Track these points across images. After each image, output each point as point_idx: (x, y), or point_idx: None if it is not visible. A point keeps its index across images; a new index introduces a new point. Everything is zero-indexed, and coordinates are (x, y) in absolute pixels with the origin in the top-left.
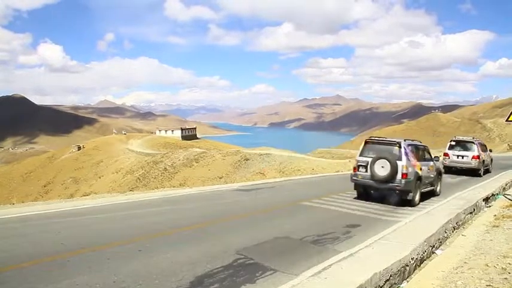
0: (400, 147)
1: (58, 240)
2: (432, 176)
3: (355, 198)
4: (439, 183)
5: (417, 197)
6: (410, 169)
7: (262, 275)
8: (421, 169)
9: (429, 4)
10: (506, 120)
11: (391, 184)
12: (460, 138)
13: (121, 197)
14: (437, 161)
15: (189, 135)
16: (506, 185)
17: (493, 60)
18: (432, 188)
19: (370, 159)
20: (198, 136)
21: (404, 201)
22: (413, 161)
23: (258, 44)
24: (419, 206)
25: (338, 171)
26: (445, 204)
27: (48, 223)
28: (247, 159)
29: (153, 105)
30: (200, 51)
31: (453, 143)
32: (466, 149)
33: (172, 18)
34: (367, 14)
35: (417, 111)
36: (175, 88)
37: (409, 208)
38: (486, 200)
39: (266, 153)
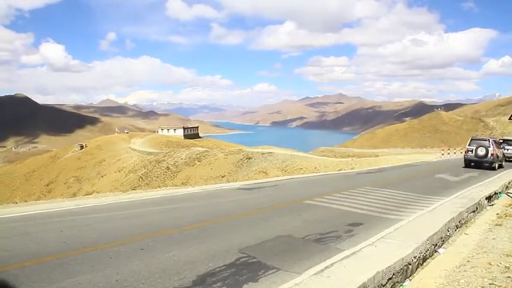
0: (489, 141)
1: (60, 239)
2: (501, 156)
3: (360, 196)
4: (503, 161)
5: (497, 166)
6: (494, 152)
7: (265, 274)
8: (498, 152)
9: (432, 2)
10: (509, 119)
11: (485, 159)
12: (506, 137)
13: (123, 196)
14: (503, 148)
15: (191, 134)
16: (509, 183)
17: (495, 58)
18: (501, 163)
19: (474, 147)
20: (200, 135)
21: (491, 167)
22: (495, 148)
23: (260, 42)
24: (422, 204)
25: (340, 170)
26: (448, 202)
27: (51, 222)
28: (249, 158)
29: (155, 104)
30: (202, 50)
31: (501, 140)
32: (510, 144)
33: (175, 17)
34: (369, 12)
35: (419, 109)
36: (177, 87)
37: (412, 206)
38: (489, 198)
39: (268, 152)
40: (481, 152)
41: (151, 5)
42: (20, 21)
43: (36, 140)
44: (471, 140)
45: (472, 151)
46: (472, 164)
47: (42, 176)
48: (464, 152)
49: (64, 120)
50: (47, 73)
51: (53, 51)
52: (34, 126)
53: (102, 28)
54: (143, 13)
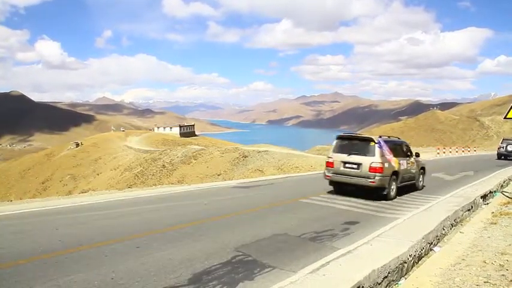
0: None
1: (56, 237)
2: None
3: (355, 194)
4: None
5: None
6: None
7: (261, 272)
8: None
9: (428, 1)
10: (504, 118)
11: None
12: None
13: (119, 194)
14: None
15: (188, 132)
16: (503, 182)
17: (491, 57)
18: None
19: (505, 145)
20: (196, 133)
21: None
22: None
23: (257, 41)
24: (417, 203)
25: None
26: (443, 201)
27: (46, 220)
28: (245, 157)
29: (151, 102)
30: (199, 48)
31: None
32: None
33: (171, 15)
34: (366, 11)
35: (415, 108)
36: (173, 85)
37: (408, 205)
38: (484, 197)
39: (264, 150)
40: (510, 148)
41: (148, 2)
42: (15, 18)
43: (31, 138)
44: (503, 139)
45: (503, 147)
46: (503, 157)
47: (38, 173)
48: (497, 148)
49: (60, 118)
50: (43, 70)
51: (48, 48)
52: (29, 123)
53: (98, 25)
54: (139, 10)
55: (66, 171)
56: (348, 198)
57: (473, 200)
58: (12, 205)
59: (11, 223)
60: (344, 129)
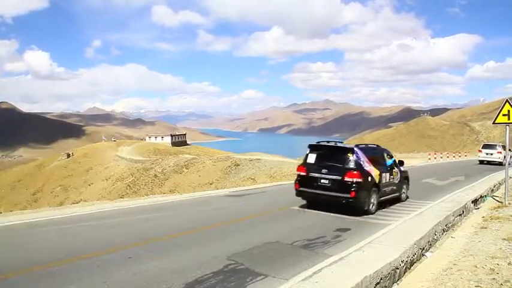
0: None
1: (47, 248)
2: None
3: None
4: None
5: None
6: None
7: (253, 280)
8: None
9: (418, 8)
10: (493, 123)
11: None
12: None
13: (111, 205)
14: None
15: (179, 141)
16: (494, 186)
17: (480, 63)
18: None
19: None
20: (188, 142)
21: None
22: None
23: (247, 49)
24: (409, 209)
25: None
26: (435, 206)
27: (37, 232)
28: (237, 165)
29: (142, 111)
30: (189, 57)
31: None
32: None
33: (160, 23)
34: (357, 18)
35: (406, 115)
36: (164, 94)
37: (399, 211)
38: (475, 202)
39: (256, 159)
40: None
41: (137, 12)
42: (2, 28)
43: (21, 149)
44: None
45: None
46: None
47: (28, 185)
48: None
49: (50, 129)
50: (32, 81)
51: (37, 58)
52: (19, 135)
53: (87, 35)
54: (128, 20)
55: (57, 182)
56: (338, 206)
57: (464, 205)
58: (2, 217)
59: (1, 235)
60: (336, 137)
